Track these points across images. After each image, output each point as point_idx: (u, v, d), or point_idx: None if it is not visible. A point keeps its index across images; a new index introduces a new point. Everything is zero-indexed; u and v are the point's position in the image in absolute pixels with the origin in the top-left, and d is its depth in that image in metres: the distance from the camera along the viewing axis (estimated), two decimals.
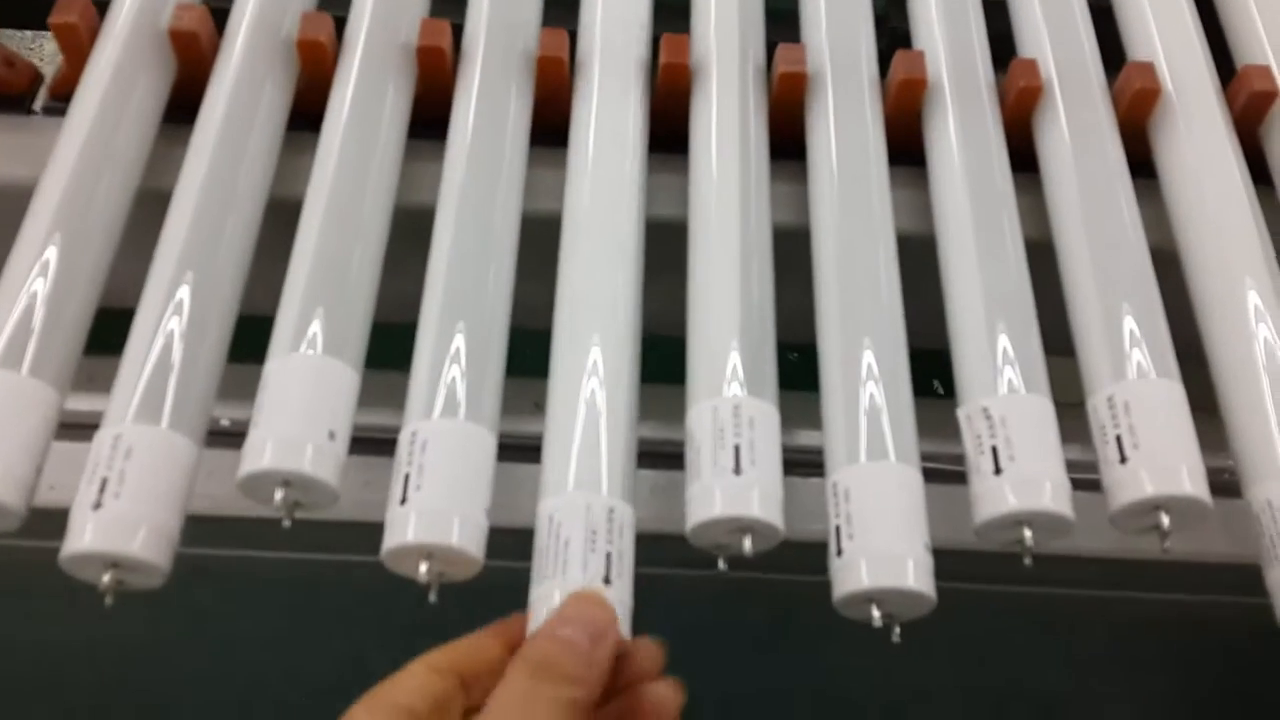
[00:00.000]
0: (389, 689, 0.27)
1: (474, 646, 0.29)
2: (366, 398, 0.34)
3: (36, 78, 0.44)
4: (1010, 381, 0.35)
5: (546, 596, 0.30)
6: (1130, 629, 0.47)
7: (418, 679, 0.28)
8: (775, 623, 0.47)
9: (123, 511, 0.29)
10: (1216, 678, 0.52)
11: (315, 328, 0.34)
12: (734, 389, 0.34)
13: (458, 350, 0.34)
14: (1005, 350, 0.36)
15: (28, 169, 0.39)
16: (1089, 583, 0.42)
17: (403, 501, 0.31)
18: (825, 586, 0.32)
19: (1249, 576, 0.35)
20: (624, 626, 0.30)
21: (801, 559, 0.33)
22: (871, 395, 0.35)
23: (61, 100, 0.41)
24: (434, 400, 0.33)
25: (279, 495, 0.31)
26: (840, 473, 0.33)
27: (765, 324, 0.36)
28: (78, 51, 0.41)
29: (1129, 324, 0.36)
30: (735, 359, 0.35)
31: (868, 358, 0.35)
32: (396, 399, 0.34)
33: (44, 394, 0.32)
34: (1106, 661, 0.49)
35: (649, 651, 0.30)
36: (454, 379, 0.33)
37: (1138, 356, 0.36)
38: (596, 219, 0.38)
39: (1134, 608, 0.45)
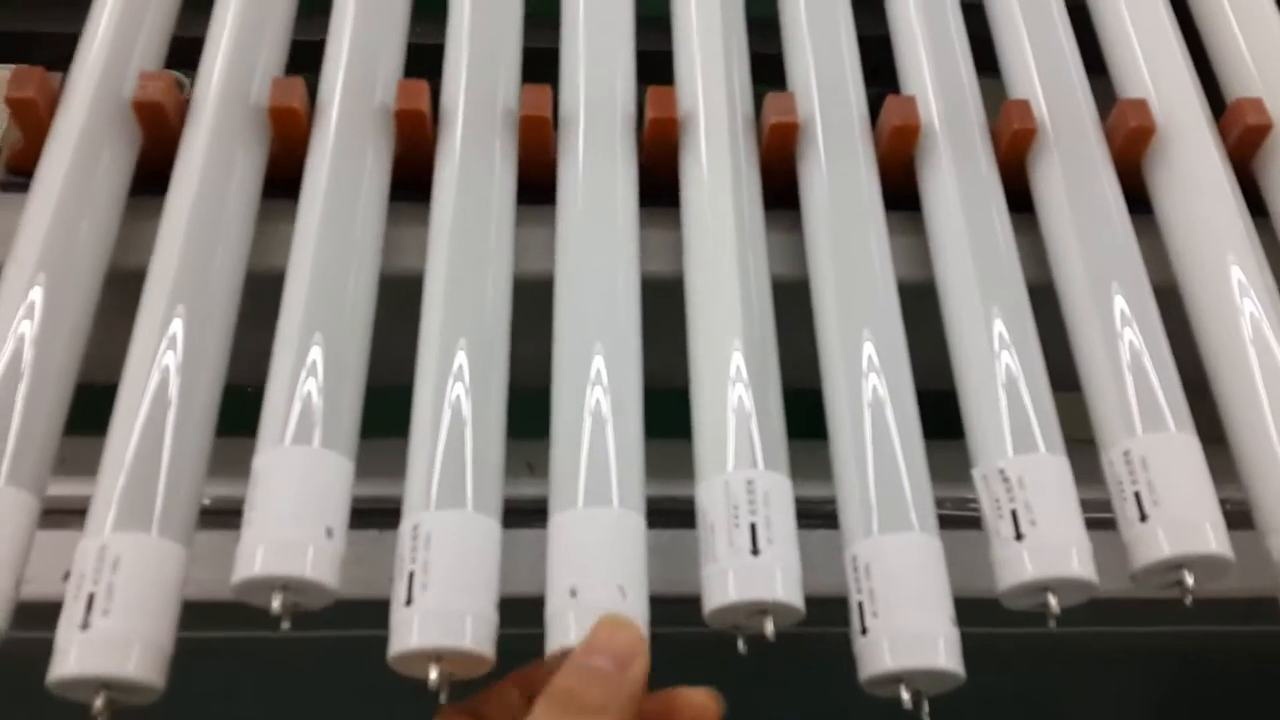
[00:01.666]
0: None
1: (495, 695, 0.30)
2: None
3: None
4: (1027, 440, 0.34)
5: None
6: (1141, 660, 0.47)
7: None
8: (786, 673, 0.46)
9: (113, 630, 0.28)
10: (1219, 700, 0.52)
11: (307, 417, 0.32)
12: (746, 462, 0.33)
13: (458, 438, 0.32)
14: (1021, 406, 0.35)
15: None
16: (1099, 620, 0.41)
17: (408, 602, 0.29)
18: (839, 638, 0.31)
19: (1257, 607, 0.34)
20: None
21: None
22: (885, 454, 0.34)
23: (17, 174, 0.40)
24: (434, 490, 0.31)
25: (277, 601, 0.29)
26: (859, 545, 0.32)
27: (773, 388, 0.35)
28: (36, 126, 0.39)
29: (1145, 375, 0.36)
30: (747, 430, 0.33)
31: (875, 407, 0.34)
32: (377, 466, 0.33)
33: (22, 500, 0.31)
34: (1118, 694, 0.49)
35: (700, 703, 0.29)
36: (455, 467, 0.32)
37: (1153, 408, 0.35)
38: (589, 277, 0.37)
39: (1142, 641, 0.44)
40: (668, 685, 0.30)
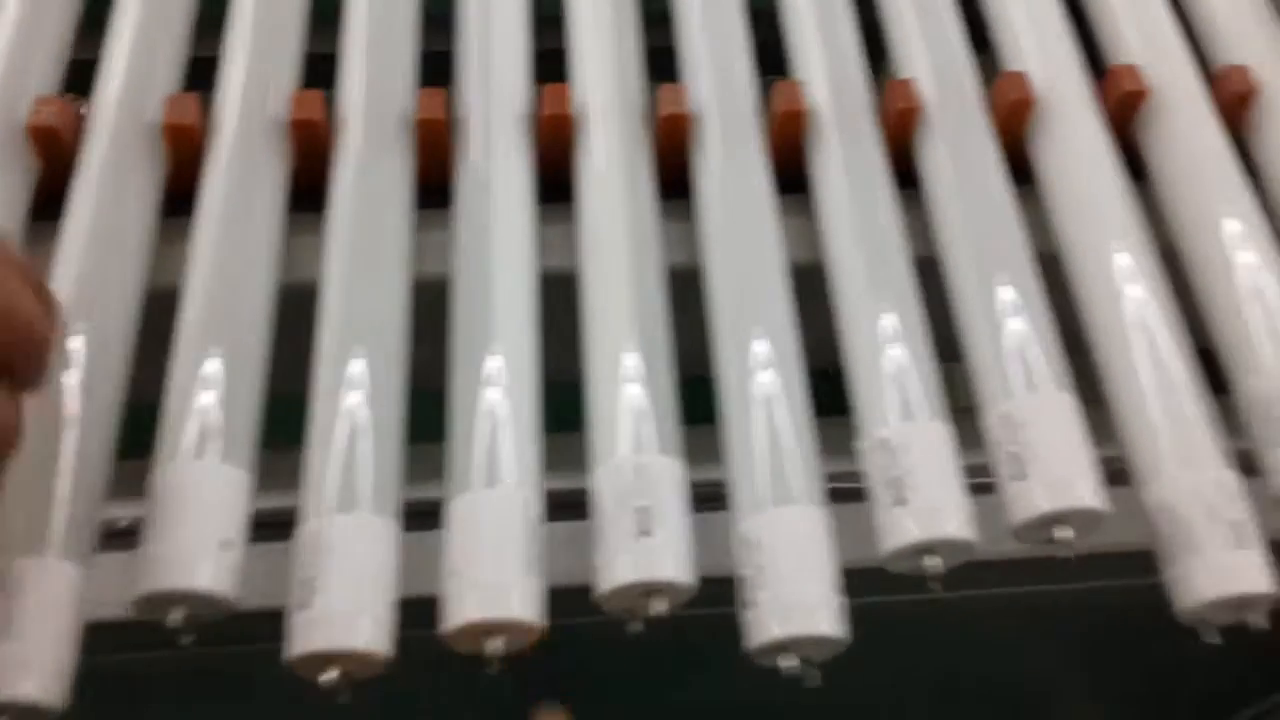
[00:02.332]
0: None
1: None
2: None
3: None
4: (908, 409, 0.35)
5: None
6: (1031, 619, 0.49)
7: None
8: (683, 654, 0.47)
9: (11, 653, 0.29)
10: (1116, 652, 0.54)
11: (204, 431, 0.33)
12: (637, 448, 0.34)
13: (352, 435, 0.33)
14: (902, 378, 0.36)
15: None
16: (991, 582, 0.43)
17: (304, 606, 0.30)
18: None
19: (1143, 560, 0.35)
20: None
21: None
22: (775, 430, 0.35)
23: None
24: (333, 493, 0.32)
25: (175, 615, 0.30)
26: (747, 521, 0.33)
27: (665, 374, 0.36)
28: None
29: (1022, 339, 0.37)
30: (636, 415, 0.34)
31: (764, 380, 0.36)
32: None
33: None
34: (1018, 651, 0.51)
35: None
36: (352, 470, 0.33)
37: (1029, 371, 0.36)
38: (492, 275, 0.38)
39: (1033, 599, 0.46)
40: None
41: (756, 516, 0.33)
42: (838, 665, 0.33)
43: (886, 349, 0.37)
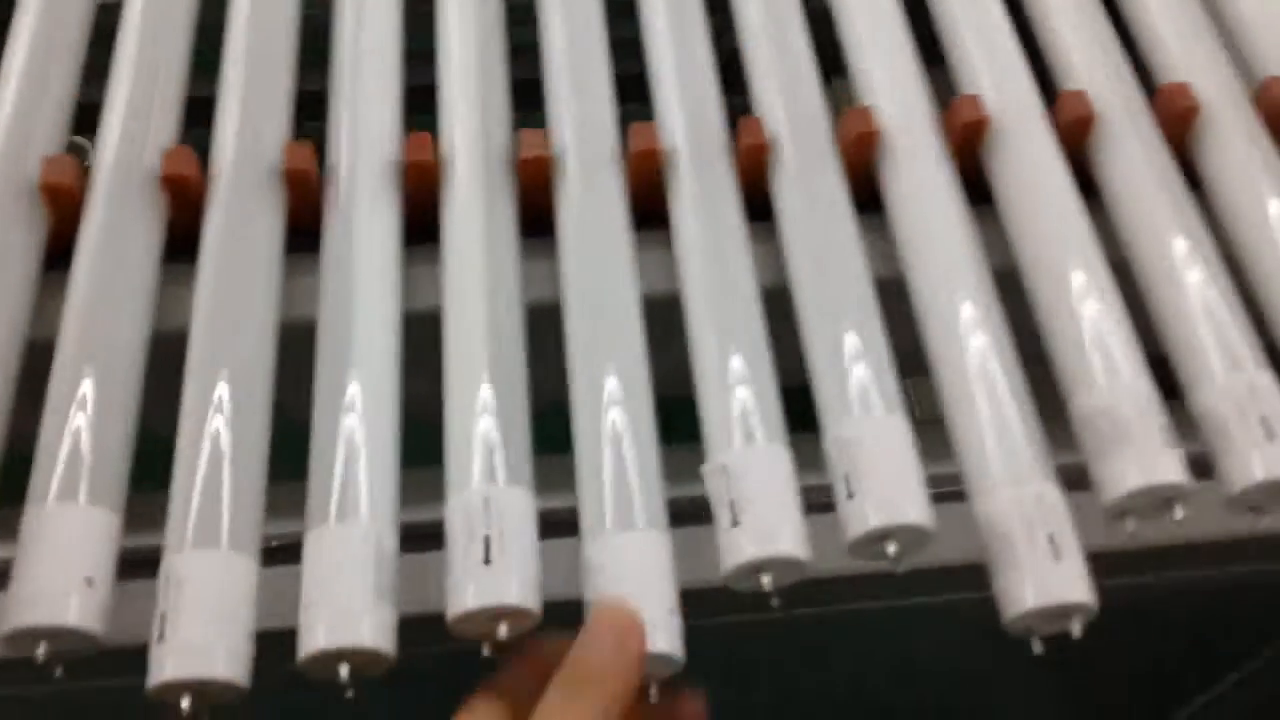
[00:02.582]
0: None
1: (510, 676, 0.34)
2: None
3: None
4: (748, 433, 0.38)
5: None
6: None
7: (485, 707, 0.33)
8: None
9: None
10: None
11: (71, 472, 0.35)
12: (487, 478, 0.36)
13: (214, 475, 0.35)
14: (744, 404, 0.38)
15: None
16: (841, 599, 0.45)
17: (161, 638, 0.32)
18: None
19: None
20: None
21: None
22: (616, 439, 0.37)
23: None
24: (191, 530, 0.34)
25: (42, 649, 0.32)
26: (592, 545, 0.35)
27: (517, 405, 0.38)
28: None
29: (854, 362, 0.39)
30: (487, 447, 0.36)
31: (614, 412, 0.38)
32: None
33: None
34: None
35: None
36: (212, 505, 0.35)
37: (864, 394, 0.39)
38: (350, 315, 0.40)
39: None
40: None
41: (599, 541, 0.35)
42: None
43: (730, 380, 0.39)
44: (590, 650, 0.32)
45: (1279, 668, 0.57)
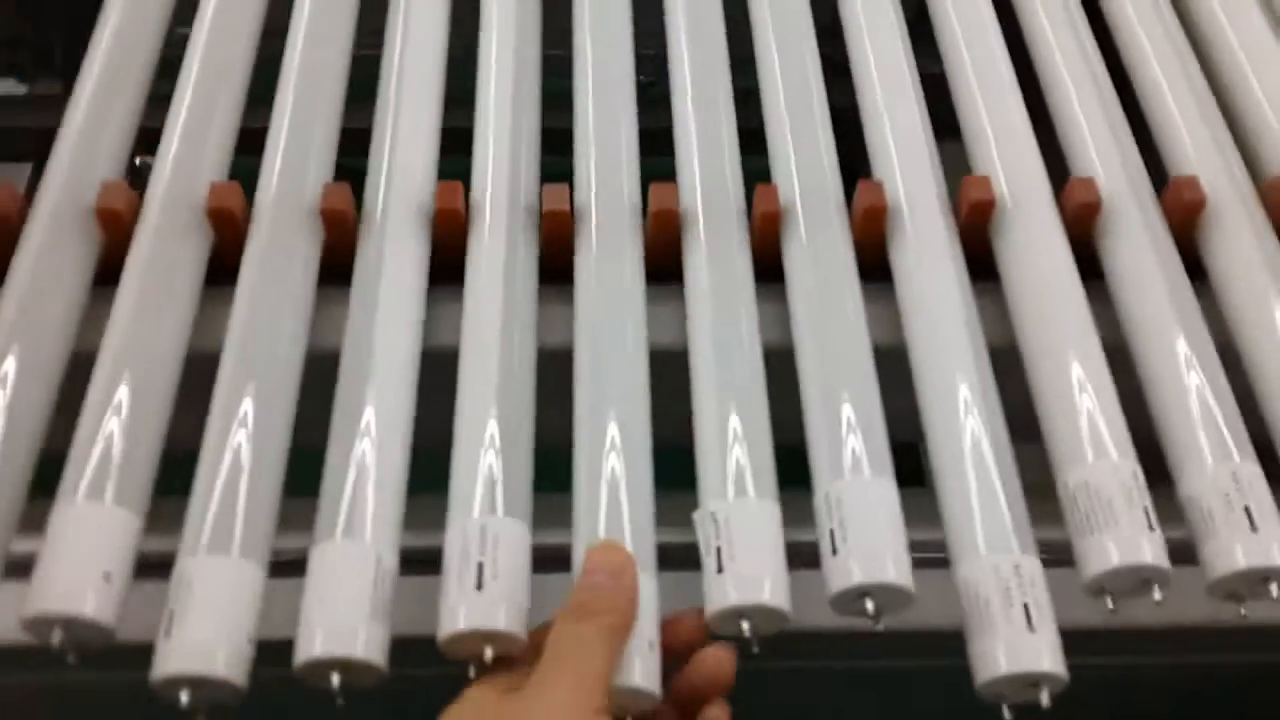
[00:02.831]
0: (481, 679, 0.35)
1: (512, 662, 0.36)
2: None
3: None
4: (740, 486, 0.39)
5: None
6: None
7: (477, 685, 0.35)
8: None
9: None
10: None
11: (100, 473, 0.37)
12: (487, 509, 0.38)
13: (232, 486, 0.37)
14: (739, 458, 0.40)
15: None
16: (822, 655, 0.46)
17: (167, 634, 0.34)
18: None
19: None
20: None
21: None
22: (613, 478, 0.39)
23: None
24: (205, 535, 0.36)
25: (57, 635, 0.34)
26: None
27: (522, 442, 0.40)
28: (7, 230, 0.44)
29: (848, 425, 0.41)
30: (488, 479, 0.38)
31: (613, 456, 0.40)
32: None
33: None
34: None
35: (717, 662, 0.36)
36: (227, 514, 0.37)
37: (852, 457, 0.40)
38: (369, 350, 0.42)
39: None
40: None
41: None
42: None
43: (728, 434, 0.41)
44: (590, 585, 0.35)
45: None
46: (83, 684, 0.44)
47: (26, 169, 0.61)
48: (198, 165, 0.46)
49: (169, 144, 0.47)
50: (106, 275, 0.44)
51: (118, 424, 0.38)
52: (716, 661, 0.36)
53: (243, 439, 0.39)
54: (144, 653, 0.36)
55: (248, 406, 0.39)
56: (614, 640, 0.34)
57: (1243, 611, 0.40)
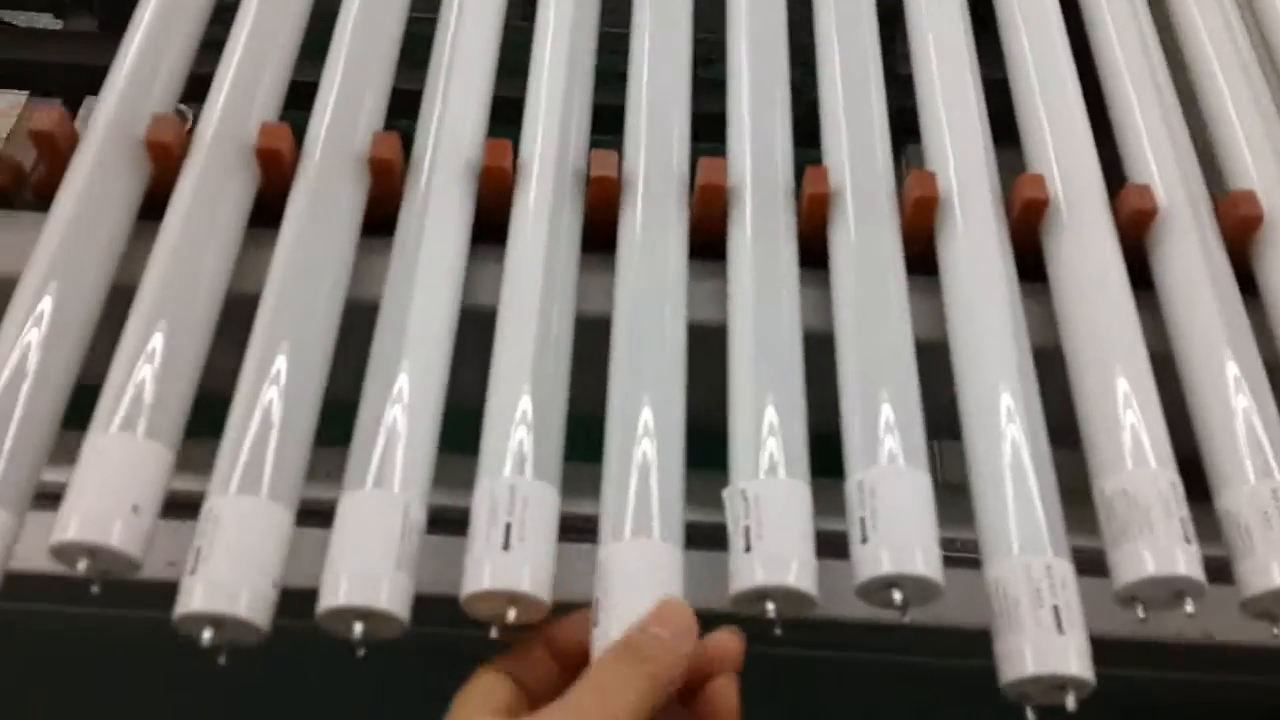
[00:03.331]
0: (470, 694, 0.34)
1: (523, 654, 0.36)
2: None
3: (21, 174, 0.47)
4: (771, 465, 0.39)
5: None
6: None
7: (488, 681, 0.34)
8: None
9: None
10: None
11: (134, 406, 0.37)
12: (515, 470, 0.37)
13: (264, 427, 0.37)
14: (771, 437, 0.40)
15: (12, 263, 0.42)
16: (848, 646, 0.46)
17: (193, 571, 0.34)
18: None
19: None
20: None
21: None
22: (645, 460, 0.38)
23: (43, 197, 0.45)
24: (235, 476, 0.36)
25: (83, 564, 0.34)
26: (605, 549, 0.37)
27: (555, 406, 0.40)
28: (55, 156, 0.44)
29: (885, 414, 0.40)
30: (519, 441, 0.38)
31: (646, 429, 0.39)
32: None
33: None
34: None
35: (725, 643, 0.35)
36: (258, 455, 0.37)
37: (887, 445, 0.40)
38: (410, 305, 0.41)
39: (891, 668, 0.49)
40: None
41: (615, 545, 0.37)
42: None
43: (761, 413, 0.40)
44: (649, 630, 0.34)
45: None
46: (102, 620, 0.44)
47: (56, 105, 0.60)
48: (249, 105, 0.46)
49: (222, 82, 0.46)
50: (152, 210, 0.44)
51: (155, 358, 0.38)
52: (721, 645, 0.36)
53: (278, 381, 0.38)
54: (166, 591, 0.36)
55: (284, 350, 0.39)
56: (654, 692, 0.33)
57: (1276, 631, 0.39)
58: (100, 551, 0.34)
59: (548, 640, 0.36)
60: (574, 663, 0.35)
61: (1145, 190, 0.47)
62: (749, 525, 0.37)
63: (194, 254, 0.41)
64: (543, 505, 0.37)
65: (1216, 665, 0.47)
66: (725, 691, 0.35)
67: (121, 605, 0.38)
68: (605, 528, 0.37)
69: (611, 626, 0.35)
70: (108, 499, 0.35)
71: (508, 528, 0.36)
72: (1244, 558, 0.39)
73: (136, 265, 0.42)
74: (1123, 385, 0.42)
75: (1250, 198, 0.48)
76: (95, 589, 0.35)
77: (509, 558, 0.35)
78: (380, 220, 0.45)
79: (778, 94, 0.50)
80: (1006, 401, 0.41)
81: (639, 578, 0.36)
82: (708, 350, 0.43)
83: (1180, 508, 0.39)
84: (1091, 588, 0.38)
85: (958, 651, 0.47)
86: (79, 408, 0.39)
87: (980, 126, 0.49)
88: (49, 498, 0.37)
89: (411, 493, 0.36)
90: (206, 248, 0.42)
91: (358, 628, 0.34)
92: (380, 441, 0.37)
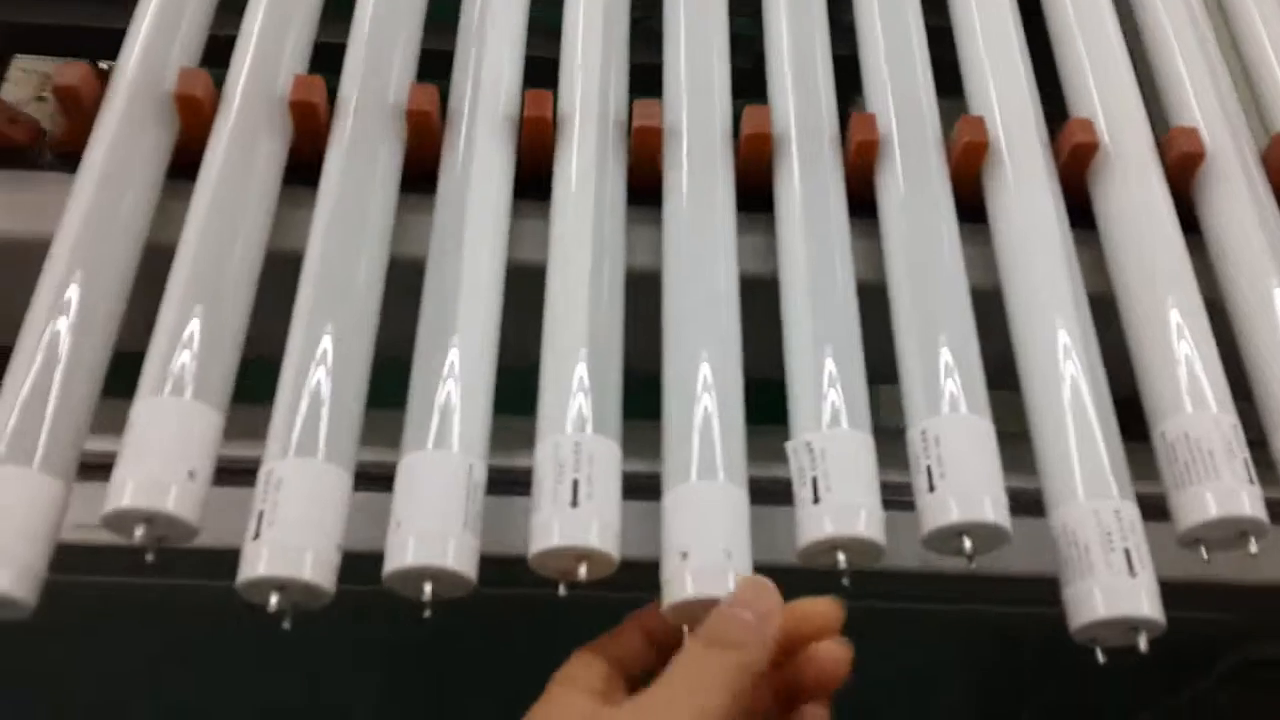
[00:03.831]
0: (565, 674, 0.33)
1: (620, 636, 0.35)
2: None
3: (39, 133, 0.45)
4: (834, 416, 0.38)
5: None
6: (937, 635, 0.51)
7: (585, 663, 0.33)
8: None
9: None
10: (1010, 676, 0.56)
11: (182, 369, 0.36)
12: (577, 427, 0.37)
13: (317, 389, 0.36)
14: (833, 388, 0.39)
15: (33, 224, 0.41)
16: (901, 596, 0.45)
17: (256, 536, 0.33)
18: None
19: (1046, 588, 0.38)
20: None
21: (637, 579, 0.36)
22: (706, 412, 0.38)
23: (62, 156, 0.44)
24: (292, 438, 0.35)
25: (139, 531, 0.33)
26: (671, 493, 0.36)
27: (612, 363, 0.39)
28: (80, 112, 0.42)
29: (944, 359, 0.40)
30: (580, 398, 0.37)
31: (704, 380, 0.38)
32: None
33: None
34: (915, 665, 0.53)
35: (823, 611, 0.34)
36: (313, 418, 0.35)
37: (948, 393, 0.39)
38: (462, 260, 0.40)
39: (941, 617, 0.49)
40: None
41: (679, 488, 0.36)
42: None
43: (821, 364, 0.39)
44: (733, 614, 0.33)
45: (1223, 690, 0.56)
46: (146, 590, 0.43)
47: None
48: (279, 59, 0.44)
49: (248, 38, 0.45)
50: (183, 168, 0.42)
51: (199, 320, 0.37)
52: (834, 662, 0.34)
53: (327, 343, 0.37)
54: (214, 558, 0.35)
55: (331, 311, 0.38)
56: (742, 678, 0.32)
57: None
58: (158, 518, 0.33)
59: (642, 624, 0.35)
60: (670, 644, 0.34)
61: (1192, 133, 0.47)
62: (815, 477, 0.37)
63: (232, 214, 0.40)
64: (608, 461, 0.36)
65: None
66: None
67: (171, 574, 0.37)
68: (669, 469, 0.37)
69: (688, 581, 0.34)
70: (163, 464, 0.34)
71: (574, 484, 0.35)
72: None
73: (172, 224, 0.40)
74: (1179, 326, 0.42)
75: (1192, 134, 0.47)
76: (150, 558, 0.34)
77: (578, 514, 0.34)
78: (419, 176, 0.44)
79: (817, 39, 0.49)
80: (1064, 344, 0.41)
81: (707, 514, 0.35)
82: (755, 303, 0.42)
83: (1242, 449, 0.39)
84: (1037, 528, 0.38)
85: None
86: (116, 376, 0.38)
87: (1024, 70, 0.49)
88: (92, 468, 0.36)
89: (473, 452, 0.36)
90: (243, 206, 0.40)
91: (427, 588, 0.33)
92: (439, 402, 0.36)
